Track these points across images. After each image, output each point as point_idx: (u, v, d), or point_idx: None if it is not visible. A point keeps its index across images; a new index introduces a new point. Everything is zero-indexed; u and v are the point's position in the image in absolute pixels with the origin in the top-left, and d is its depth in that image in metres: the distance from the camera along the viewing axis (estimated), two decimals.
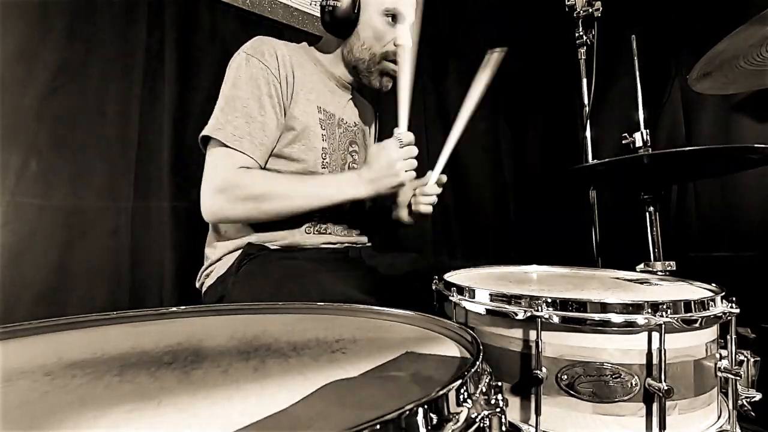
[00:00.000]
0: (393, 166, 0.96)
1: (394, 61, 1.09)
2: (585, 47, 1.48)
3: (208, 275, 1.05)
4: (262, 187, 0.95)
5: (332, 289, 0.88)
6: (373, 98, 1.36)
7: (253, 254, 0.99)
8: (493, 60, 1.06)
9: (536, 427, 0.59)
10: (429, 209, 1.16)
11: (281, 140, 1.03)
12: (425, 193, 1.14)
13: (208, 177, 0.95)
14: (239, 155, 0.95)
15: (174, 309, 0.63)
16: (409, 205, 1.19)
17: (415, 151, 0.99)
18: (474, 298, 0.69)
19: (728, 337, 0.65)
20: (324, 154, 1.08)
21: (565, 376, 0.60)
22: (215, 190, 0.94)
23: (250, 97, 0.97)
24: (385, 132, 1.35)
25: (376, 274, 1.08)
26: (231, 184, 0.94)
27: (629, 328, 0.59)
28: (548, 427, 0.60)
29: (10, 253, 1.01)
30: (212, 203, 0.94)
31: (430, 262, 1.16)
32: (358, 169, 1.02)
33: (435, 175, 1.12)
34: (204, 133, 0.96)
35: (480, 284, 0.80)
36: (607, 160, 0.91)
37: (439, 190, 1.15)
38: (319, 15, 1.14)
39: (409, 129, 1.00)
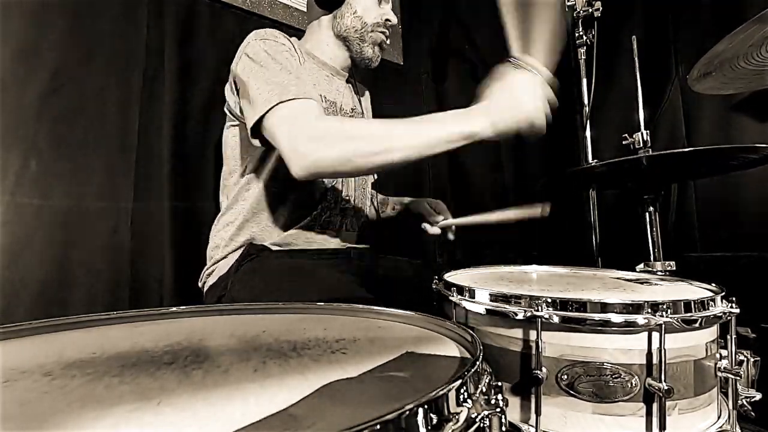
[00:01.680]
0: (530, 101, 0.83)
1: (384, 33, 1.12)
2: (585, 47, 1.48)
3: (210, 275, 1.05)
4: (356, 127, 0.90)
5: (333, 285, 0.88)
6: (367, 81, 1.34)
7: (253, 254, 0.98)
8: None
9: (536, 427, 0.59)
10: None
11: None
12: (436, 227, 1.18)
13: (293, 132, 0.86)
14: (309, 102, 0.87)
15: (174, 309, 0.63)
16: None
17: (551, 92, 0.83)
18: (474, 298, 0.69)
19: (728, 337, 0.65)
20: None
21: (565, 376, 0.60)
22: (309, 137, 0.84)
23: (279, 65, 0.92)
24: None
25: (377, 274, 1.08)
26: (323, 125, 0.86)
27: (629, 328, 0.58)
28: (548, 427, 0.60)
29: (10, 253, 1.00)
30: (307, 149, 0.84)
31: (433, 268, 1.16)
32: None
33: (449, 222, 1.19)
34: (259, 113, 0.87)
35: (480, 284, 0.80)
36: (607, 161, 0.91)
37: (439, 232, 1.19)
38: None
39: None
